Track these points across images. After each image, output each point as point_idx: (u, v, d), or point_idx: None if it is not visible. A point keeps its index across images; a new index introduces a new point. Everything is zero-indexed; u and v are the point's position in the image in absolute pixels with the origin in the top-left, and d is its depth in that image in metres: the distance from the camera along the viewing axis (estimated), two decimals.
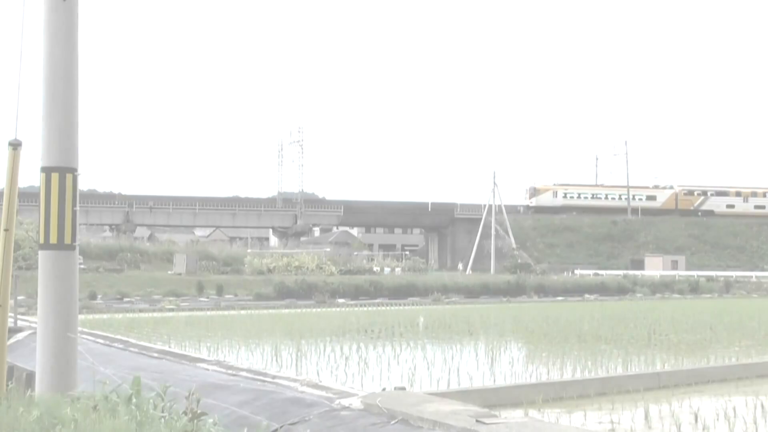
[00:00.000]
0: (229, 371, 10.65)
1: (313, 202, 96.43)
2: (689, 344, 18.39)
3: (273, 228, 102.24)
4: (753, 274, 76.58)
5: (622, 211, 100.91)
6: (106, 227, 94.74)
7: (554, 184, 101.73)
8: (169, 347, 15.46)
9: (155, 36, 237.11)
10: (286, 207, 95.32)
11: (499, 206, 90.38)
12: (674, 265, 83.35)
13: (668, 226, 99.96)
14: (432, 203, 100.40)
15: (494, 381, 12.83)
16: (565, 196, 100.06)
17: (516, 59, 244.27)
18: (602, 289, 56.33)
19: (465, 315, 28.84)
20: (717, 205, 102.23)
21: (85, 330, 16.31)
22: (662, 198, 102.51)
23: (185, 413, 6.64)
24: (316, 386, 9.04)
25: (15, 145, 9.29)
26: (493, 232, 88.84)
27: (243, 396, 8.93)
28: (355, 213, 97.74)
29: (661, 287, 60.03)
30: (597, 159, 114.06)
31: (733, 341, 19.17)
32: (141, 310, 31.97)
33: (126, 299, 41.61)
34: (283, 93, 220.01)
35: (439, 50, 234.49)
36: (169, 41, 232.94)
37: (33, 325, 15.92)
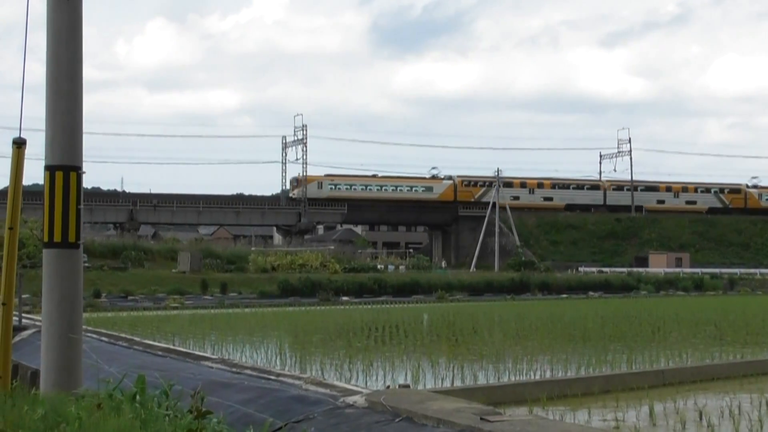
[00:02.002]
0: (234, 369, 10.65)
1: (316, 200, 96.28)
2: (693, 341, 18.36)
3: (277, 226, 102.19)
4: (757, 271, 76.51)
5: (397, 203, 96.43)
6: (110, 226, 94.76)
7: (325, 175, 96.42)
8: (174, 345, 15.47)
9: (155, 36, 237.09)
10: (290, 205, 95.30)
11: (503, 204, 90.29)
12: (678, 263, 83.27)
13: (673, 224, 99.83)
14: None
15: (498, 379, 12.82)
16: (334, 188, 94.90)
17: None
18: (606, 287, 56.31)
19: (469, 313, 28.84)
20: (501, 196, 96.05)
21: (89, 328, 16.33)
22: (439, 189, 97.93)
23: (190, 411, 6.64)
24: (320, 384, 9.04)
25: (19, 144, 9.30)
26: (497, 229, 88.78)
27: (247, 394, 8.93)
28: (359, 211, 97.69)
29: (665, 284, 60.02)
30: (601, 156, 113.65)
31: (738, 338, 19.15)
32: (145, 308, 32.01)
33: (130, 297, 41.67)
34: (286, 92, 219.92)
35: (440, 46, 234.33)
36: (170, 41, 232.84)
37: (38, 323, 15.93)
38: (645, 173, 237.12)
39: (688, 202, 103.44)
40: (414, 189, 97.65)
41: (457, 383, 12.06)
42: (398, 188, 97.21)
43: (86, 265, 41.31)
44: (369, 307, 35.12)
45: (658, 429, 9.44)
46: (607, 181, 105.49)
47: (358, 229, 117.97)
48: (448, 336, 20.29)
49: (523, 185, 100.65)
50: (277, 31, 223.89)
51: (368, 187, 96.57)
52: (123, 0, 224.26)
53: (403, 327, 22.41)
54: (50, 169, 8.88)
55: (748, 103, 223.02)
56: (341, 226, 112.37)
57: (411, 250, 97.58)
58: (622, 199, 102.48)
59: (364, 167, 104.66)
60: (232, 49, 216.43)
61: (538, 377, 12.77)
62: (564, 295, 50.02)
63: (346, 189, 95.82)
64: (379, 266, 68.08)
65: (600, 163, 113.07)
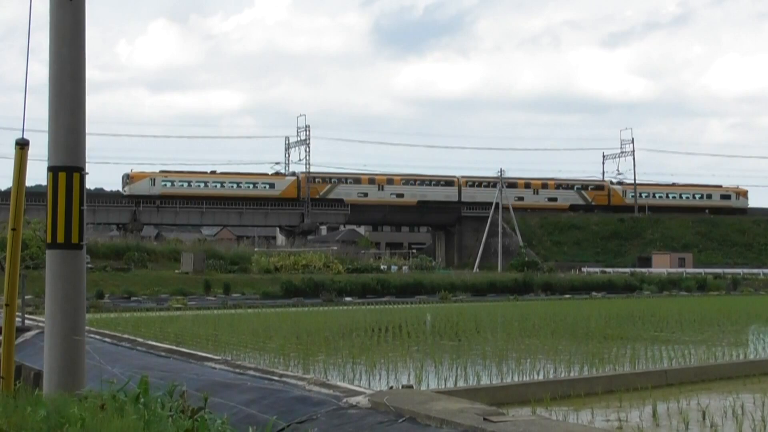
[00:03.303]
0: (237, 370, 10.66)
1: (319, 201, 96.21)
2: (696, 341, 18.35)
3: (280, 227, 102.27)
4: (761, 271, 76.48)
5: (240, 199, 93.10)
6: (114, 226, 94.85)
7: (159, 171, 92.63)
8: (177, 346, 15.48)
9: (157, 36, 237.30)
10: (293, 206, 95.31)
11: (506, 204, 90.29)
12: (681, 263, 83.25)
13: (676, 224, 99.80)
14: (441, 201, 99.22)
15: (502, 379, 12.81)
16: (168, 185, 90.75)
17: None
18: (609, 287, 56.27)
19: (472, 313, 28.82)
20: (348, 193, 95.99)
21: (92, 329, 16.33)
22: (282, 186, 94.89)
23: (182, 411, 6.65)
24: (323, 385, 9.04)
25: (22, 145, 9.30)
26: (500, 230, 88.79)
27: (250, 395, 8.93)
28: (362, 211, 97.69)
29: (668, 285, 59.95)
30: (604, 156, 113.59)
31: (740, 338, 19.14)
32: (148, 309, 32.00)
33: (133, 298, 41.68)
34: (288, 93, 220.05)
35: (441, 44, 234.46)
36: (172, 42, 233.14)
37: (41, 324, 15.95)
38: (648, 173, 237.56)
39: (549, 199, 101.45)
40: (256, 186, 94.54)
41: (460, 384, 12.05)
42: (240, 185, 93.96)
43: (89, 266, 41.34)
44: (372, 307, 35.10)
45: (661, 429, 9.43)
46: (463, 177, 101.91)
47: (361, 230, 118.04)
48: (451, 336, 20.28)
49: (371, 181, 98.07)
50: (279, 32, 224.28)
51: (207, 184, 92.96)
52: (125, 1, 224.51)
53: (406, 327, 22.40)
54: (53, 170, 8.89)
55: (749, 103, 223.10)
56: (344, 226, 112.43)
57: (414, 251, 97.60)
58: (478, 195, 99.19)
59: (367, 168, 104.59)
60: (234, 49, 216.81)
61: (541, 377, 12.76)
62: (567, 296, 49.97)
63: (182, 186, 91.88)
64: (382, 267, 68.10)
65: (603, 163, 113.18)
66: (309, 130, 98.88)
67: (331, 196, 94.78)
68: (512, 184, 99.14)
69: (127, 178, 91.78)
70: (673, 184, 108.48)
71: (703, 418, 9.69)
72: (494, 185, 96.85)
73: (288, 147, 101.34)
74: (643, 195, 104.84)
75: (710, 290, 58.65)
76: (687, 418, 9.48)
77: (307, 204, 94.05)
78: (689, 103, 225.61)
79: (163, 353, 13.19)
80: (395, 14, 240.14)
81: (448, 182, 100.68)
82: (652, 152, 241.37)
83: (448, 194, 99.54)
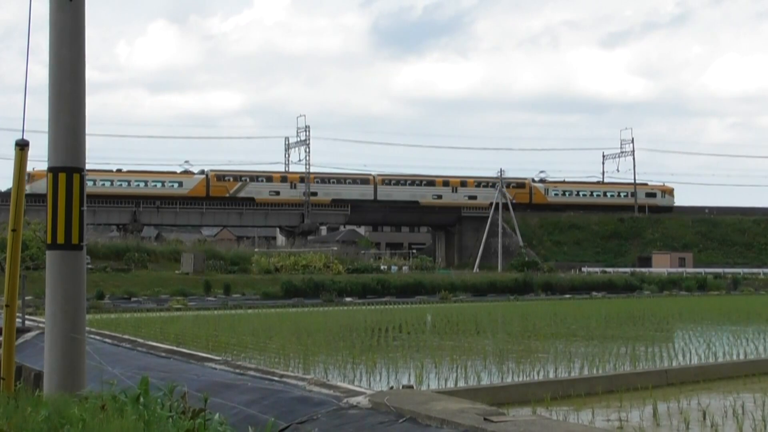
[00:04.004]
0: (237, 370, 10.66)
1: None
2: (696, 341, 18.36)
3: (280, 227, 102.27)
4: (761, 270, 76.52)
5: (147, 198, 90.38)
6: (114, 227, 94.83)
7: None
8: (177, 347, 15.48)
9: (157, 37, 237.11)
10: (293, 206, 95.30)
11: (506, 204, 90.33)
12: (682, 263, 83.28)
13: (676, 224, 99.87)
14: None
15: (502, 379, 12.82)
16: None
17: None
18: (610, 287, 56.30)
19: (472, 313, 28.84)
20: (258, 191, 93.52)
21: (92, 330, 16.34)
22: (190, 184, 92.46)
23: (183, 412, 6.65)
24: (323, 385, 9.04)
25: (22, 146, 9.30)
26: (500, 230, 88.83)
27: (251, 395, 8.93)
28: (362, 211, 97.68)
29: (668, 284, 59.99)
30: (604, 156, 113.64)
31: (738, 338, 19.13)
32: (149, 310, 32.03)
33: (134, 299, 41.70)
34: (287, 93, 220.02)
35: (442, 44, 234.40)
36: (171, 43, 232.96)
37: (41, 325, 15.95)
38: (648, 173, 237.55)
39: (469, 197, 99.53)
40: (164, 184, 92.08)
41: (461, 384, 12.06)
42: (147, 183, 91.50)
43: (89, 266, 41.36)
44: (372, 307, 35.13)
45: (661, 429, 9.43)
46: (379, 175, 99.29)
47: (361, 230, 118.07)
48: (452, 336, 20.29)
49: (282, 179, 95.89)
50: (278, 32, 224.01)
51: (113, 183, 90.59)
52: (124, 2, 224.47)
53: (406, 328, 22.41)
54: (53, 171, 8.89)
55: (748, 103, 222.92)
56: (344, 227, 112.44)
57: (414, 251, 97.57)
58: (395, 193, 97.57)
59: (367, 168, 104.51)
60: (234, 50, 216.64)
61: (541, 377, 12.77)
62: (567, 296, 50.00)
63: (86, 185, 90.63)
64: (382, 267, 68.13)
65: (603, 163, 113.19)
66: (309, 131, 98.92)
67: (242, 194, 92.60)
68: (431, 182, 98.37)
69: (29, 177, 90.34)
70: (598, 182, 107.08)
71: (704, 418, 9.69)
72: (410, 183, 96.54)
73: (288, 147, 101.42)
74: (567, 193, 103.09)
75: (710, 290, 58.68)
76: (688, 417, 9.49)
77: (306, 204, 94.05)
78: (688, 102, 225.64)
79: (163, 354, 13.19)
80: (394, 15, 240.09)
81: (364, 180, 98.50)
82: (651, 152, 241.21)
83: (364, 192, 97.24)
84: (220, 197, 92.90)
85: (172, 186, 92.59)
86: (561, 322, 24.43)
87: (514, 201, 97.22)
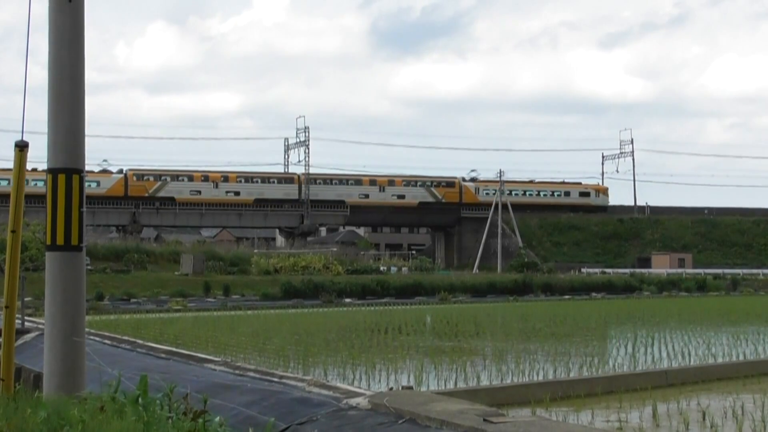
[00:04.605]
0: (237, 371, 10.66)
1: (319, 202, 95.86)
2: (695, 342, 18.36)
3: (279, 228, 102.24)
4: (760, 271, 76.53)
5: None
6: (113, 228, 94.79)
7: None
8: (177, 348, 15.48)
9: (156, 38, 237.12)
10: (293, 207, 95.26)
11: (506, 204, 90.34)
12: (681, 263, 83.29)
13: (675, 224, 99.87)
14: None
15: (501, 380, 12.82)
16: None
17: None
18: (609, 288, 56.33)
19: (472, 314, 28.84)
20: (179, 190, 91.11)
21: (92, 331, 16.33)
22: (108, 184, 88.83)
23: (185, 413, 6.64)
24: (323, 386, 9.04)
25: (21, 147, 9.30)
26: (499, 231, 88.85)
27: (250, 396, 8.94)
28: (362, 212, 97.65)
29: (668, 285, 60.03)
30: (603, 157, 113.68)
31: (737, 339, 19.14)
32: (148, 311, 32.03)
33: (133, 300, 41.71)
34: (286, 94, 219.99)
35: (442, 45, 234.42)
36: (170, 43, 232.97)
37: (40, 326, 15.95)
38: (647, 174, 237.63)
39: (398, 197, 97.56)
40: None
41: (460, 385, 12.06)
42: None
43: (89, 267, 41.35)
44: (372, 308, 35.13)
45: (661, 430, 9.44)
46: (304, 174, 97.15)
47: (361, 231, 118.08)
48: (451, 337, 20.29)
49: (205, 179, 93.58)
50: (277, 33, 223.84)
51: (27, 183, 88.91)
52: (123, 2, 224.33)
53: (405, 329, 22.42)
54: (52, 172, 8.89)
55: (747, 103, 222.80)
56: (344, 227, 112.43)
57: (413, 252, 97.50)
58: (320, 192, 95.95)
59: (367, 169, 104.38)
60: (233, 51, 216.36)
61: (540, 378, 12.77)
62: (567, 296, 50.02)
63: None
64: (381, 268, 68.11)
65: (602, 164, 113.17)
66: (308, 132, 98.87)
67: (161, 194, 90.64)
68: (358, 181, 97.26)
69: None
70: (531, 181, 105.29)
71: (703, 419, 9.70)
72: (339, 182, 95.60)
73: (287, 148, 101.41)
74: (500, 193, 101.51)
75: (710, 291, 58.70)
76: (687, 418, 9.49)
77: (306, 205, 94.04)
78: (687, 103, 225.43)
79: (162, 355, 13.19)
80: (393, 16, 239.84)
81: (288, 179, 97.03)
82: (650, 153, 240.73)
83: (288, 192, 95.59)
84: (139, 197, 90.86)
85: (89, 186, 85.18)
86: (560, 322, 24.43)
87: (444, 200, 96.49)
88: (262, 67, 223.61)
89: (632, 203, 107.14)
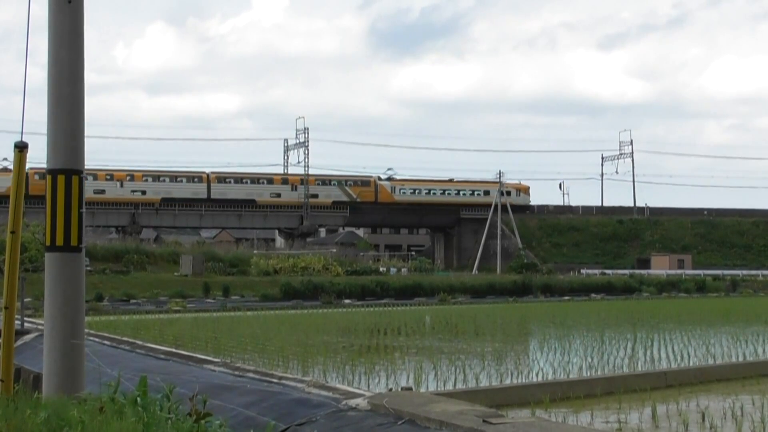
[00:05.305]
0: (236, 372, 10.66)
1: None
2: (694, 343, 18.36)
3: (279, 229, 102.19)
4: (760, 272, 76.52)
5: None
6: (113, 229, 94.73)
7: None
8: (176, 349, 15.48)
9: (155, 39, 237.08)
10: (292, 208, 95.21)
11: (505, 206, 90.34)
12: (681, 264, 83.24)
13: (674, 226, 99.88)
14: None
15: (501, 381, 12.82)
16: None
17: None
18: (609, 289, 56.34)
19: (471, 315, 28.84)
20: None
21: (91, 332, 16.33)
22: (5, 183, 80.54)
23: (189, 415, 6.64)
24: (322, 387, 9.04)
25: (21, 148, 9.29)
26: (499, 232, 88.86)
27: (250, 397, 8.94)
28: (361, 213, 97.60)
29: (667, 286, 60.04)
30: (603, 158, 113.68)
31: (737, 340, 19.14)
32: (148, 312, 32.03)
33: (132, 301, 41.70)
34: (285, 95, 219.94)
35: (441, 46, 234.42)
36: (169, 45, 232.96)
37: (40, 327, 15.95)
38: (647, 175, 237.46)
39: (311, 196, 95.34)
40: None
41: (460, 385, 12.06)
42: None
43: (88, 268, 41.34)
44: (371, 309, 35.12)
45: (660, 431, 9.44)
46: (213, 173, 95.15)
47: (360, 232, 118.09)
48: (451, 338, 20.29)
49: (126, 177, 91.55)
50: (276, 34, 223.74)
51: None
52: (123, 4, 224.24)
53: (405, 329, 22.41)
54: (52, 173, 8.89)
55: (746, 104, 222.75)
56: (343, 228, 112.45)
57: (413, 253, 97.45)
58: (229, 192, 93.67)
59: (366, 170, 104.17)
60: (232, 52, 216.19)
61: (540, 379, 12.77)
62: (566, 297, 50.01)
63: None
64: (381, 269, 68.10)
65: (602, 165, 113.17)
66: (308, 133, 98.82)
67: None
68: (270, 179, 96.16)
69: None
70: (450, 180, 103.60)
71: (703, 420, 9.70)
72: (249, 181, 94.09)
73: (287, 149, 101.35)
74: (417, 191, 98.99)
75: (709, 292, 58.69)
76: (686, 419, 9.49)
77: (305, 206, 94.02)
78: (686, 104, 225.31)
79: (162, 356, 13.19)
80: (391, 17, 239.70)
81: (197, 177, 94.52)
82: (649, 153, 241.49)
83: (196, 191, 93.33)
84: (41, 196, 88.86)
85: None
86: (559, 323, 24.43)
87: (359, 200, 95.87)
88: (261, 68, 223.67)
89: (632, 204, 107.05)
